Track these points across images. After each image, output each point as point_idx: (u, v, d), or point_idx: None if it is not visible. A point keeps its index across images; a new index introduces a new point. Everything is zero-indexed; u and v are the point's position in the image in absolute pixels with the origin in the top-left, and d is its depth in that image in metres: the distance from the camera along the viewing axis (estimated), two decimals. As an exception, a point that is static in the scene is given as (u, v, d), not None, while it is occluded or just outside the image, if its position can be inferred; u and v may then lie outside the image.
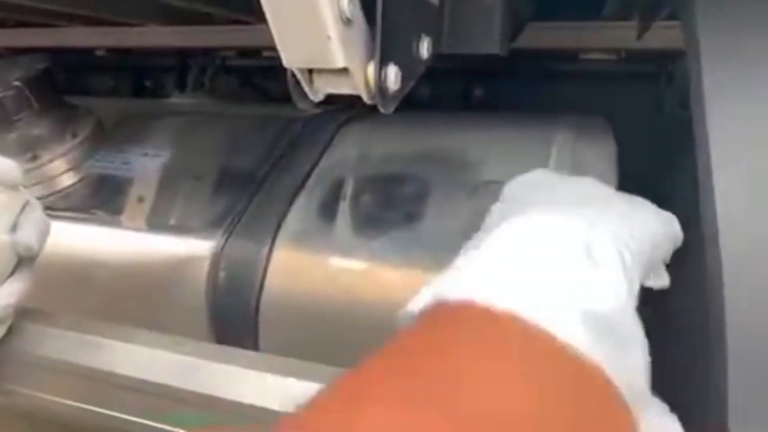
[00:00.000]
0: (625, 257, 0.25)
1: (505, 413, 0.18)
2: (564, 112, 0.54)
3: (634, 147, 0.59)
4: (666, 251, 0.32)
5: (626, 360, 0.22)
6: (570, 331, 0.21)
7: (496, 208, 0.35)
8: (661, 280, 0.32)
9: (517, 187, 0.36)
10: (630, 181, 0.54)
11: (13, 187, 0.38)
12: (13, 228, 0.38)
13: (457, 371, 0.19)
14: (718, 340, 0.26)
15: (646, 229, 0.29)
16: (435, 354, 0.21)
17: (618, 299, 0.23)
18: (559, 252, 0.25)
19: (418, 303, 0.25)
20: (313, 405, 0.20)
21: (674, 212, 0.32)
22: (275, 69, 0.32)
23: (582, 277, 0.24)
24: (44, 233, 0.40)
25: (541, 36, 0.70)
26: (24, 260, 0.39)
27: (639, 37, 0.62)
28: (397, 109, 0.35)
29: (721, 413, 0.25)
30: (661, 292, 0.32)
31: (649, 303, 0.29)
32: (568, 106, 0.74)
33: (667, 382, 0.26)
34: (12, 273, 0.39)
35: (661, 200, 0.42)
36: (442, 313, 0.23)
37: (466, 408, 0.18)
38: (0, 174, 0.37)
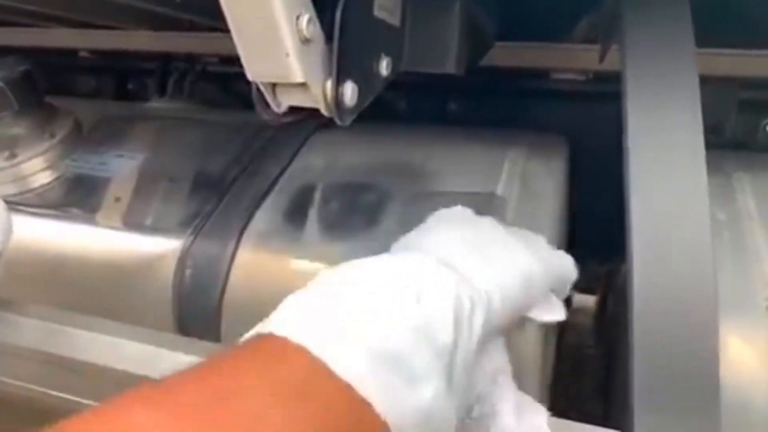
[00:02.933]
0: (463, 301, 0.26)
1: None
2: (526, 129, 0.57)
3: (600, 164, 0.62)
4: (555, 287, 0.34)
5: (409, 396, 0.23)
6: (348, 366, 0.22)
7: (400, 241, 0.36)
8: (551, 315, 0.34)
9: (432, 220, 0.37)
10: (594, 199, 0.57)
11: None
12: None
13: (229, 392, 0.21)
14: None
15: (517, 272, 0.31)
16: (222, 376, 0.22)
17: (414, 338, 0.24)
18: (380, 293, 0.26)
19: (251, 332, 0.27)
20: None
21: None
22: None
23: (384, 315, 0.25)
24: (7, 232, 0.41)
25: (515, 55, 0.74)
26: None
27: (601, 59, 0.66)
28: (368, 120, 0.37)
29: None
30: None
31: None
32: (538, 122, 0.77)
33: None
34: None
35: (621, 218, 0.45)
36: (249, 343, 0.25)
37: (217, 419, 0.20)
38: None
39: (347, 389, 0.22)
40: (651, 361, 0.28)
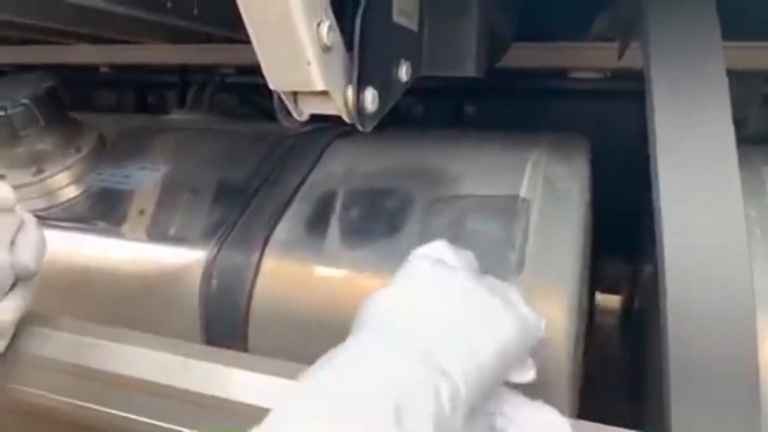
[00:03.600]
0: (444, 407, 0.27)
1: None
2: (545, 130, 0.57)
3: (620, 163, 0.62)
4: (525, 349, 0.33)
5: None
6: None
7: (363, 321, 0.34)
8: (523, 375, 0.33)
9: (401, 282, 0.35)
10: (614, 198, 0.57)
11: (9, 209, 0.40)
12: (10, 248, 0.40)
13: None
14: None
15: (494, 349, 0.30)
16: None
17: None
18: (360, 411, 0.26)
19: None
20: None
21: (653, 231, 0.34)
22: (272, 86, 0.34)
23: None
24: (41, 252, 0.42)
25: (531, 55, 0.74)
26: (22, 278, 0.41)
27: (619, 57, 0.65)
28: (386, 126, 0.37)
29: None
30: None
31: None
32: (556, 122, 0.77)
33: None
34: (11, 289, 0.40)
35: (644, 218, 0.44)
36: None
37: None
38: None
39: None
40: (687, 363, 0.27)
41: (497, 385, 0.32)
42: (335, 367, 0.29)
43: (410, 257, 0.37)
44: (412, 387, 0.27)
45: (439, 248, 0.37)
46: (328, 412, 0.26)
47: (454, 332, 0.31)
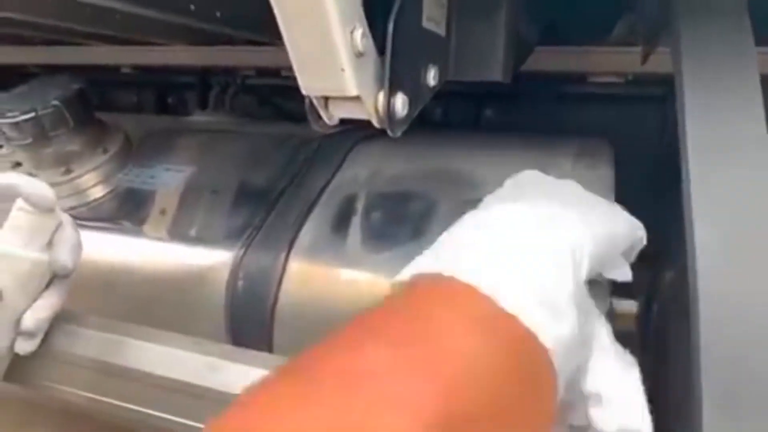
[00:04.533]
0: (575, 255, 0.30)
1: (458, 364, 0.24)
2: (568, 135, 0.57)
3: (641, 168, 0.61)
4: (627, 250, 0.36)
5: (557, 328, 0.27)
6: (515, 303, 0.26)
7: (493, 195, 0.39)
8: (621, 274, 0.36)
9: (512, 182, 0.40)
10: (634, 202, 0.56)
11: (48, 209, 0.41)
12: (49, 247, 0.41)
13: (429, 333, 0.25)
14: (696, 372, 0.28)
15: (607, 231, 0.33)
16: (410, 321, 0.26)
17: (556, 275, 0.28)
18: (528, 243, 0.29)
19: (404, 274, 0.30)
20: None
21: (677, 235, 0.35)
22: (294, 89, 0.35)
23: (538, 270, 0.28)
24: (77, 251, 0.43)
25: (551, 59, 0.73)
26: (58, 276, 0.42)
27: (643, 61, 0.65)
28: (409, 129, 0.38)
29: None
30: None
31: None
32: (576, 127, 0.76)
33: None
34: (46, 288, 0.42)
35: (665, 223, 0.44)
36: (420, 286, 0.28)
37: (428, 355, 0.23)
38: (36, 198, 0.40)
39: (516, 322, 0.26)
40: (720, 370, 0.27)
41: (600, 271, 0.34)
42: (489, 212, 0.33)
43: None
44: (554, 222, 0.31)
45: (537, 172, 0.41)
46: (495, 231, 0.30)
47: (573, 210, 0.33)
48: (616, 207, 0.37)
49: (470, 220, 0.33)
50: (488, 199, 0.38)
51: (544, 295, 0.27)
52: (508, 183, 0.40)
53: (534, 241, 0.29)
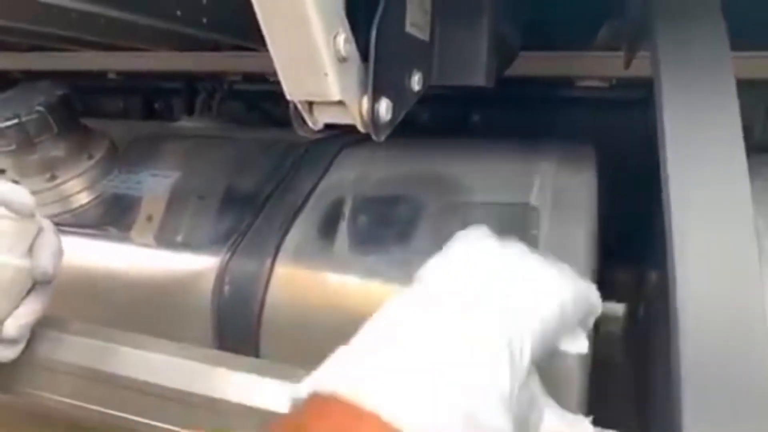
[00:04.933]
0: (513, 345, 0.27)
1: None
2: (552, 140, 0.57)
3: (625, 171, 0.62)
4: (581, 318, 0.33)
5: None
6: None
7: (427, 269, 0.34)
8: (576, 346, 0.33)
9: (449, 252, 0.34)
10: (618, 205, 0.57)
11: (28, 215, 0.40)
12: (29, 253, 0.41)
13: None
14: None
15: (556, 304, 0.30)
16: None
17: (481, 394, 0.25)
18: (441, 348, 0.26)
19: (301, 389, 0.26)
20: None
21: (661, 238, 0.34)
22: (280, 94, 0.35)
23: (459, 376, 0.25)
24: (58, 257, 0.42)
25: (537, 64, 0.74)
26: (40, 283, 0.42)
27: (626, 66, 0.66)
28: (395, 134, 0.38)
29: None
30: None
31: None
32: (561, 130, 0.77)
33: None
34: (28, 294, 0.41)
35: (649, 225, 0.44)
36: (313, 405, 0.25)
37: None
38: (16, 204, 0.39)
39: None
40: (699, 374, 0.27)
41: (554, 346, 0.31)
42: (394, 319, 0.28)
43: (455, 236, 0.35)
44: (483, 326, 0.27)
45: (482, 232, 0.35)
46: (401, 347, 0.26)
47: (518, 287, 0.30)
48: (566, 270, 0.33)
49: (381, 323, 0.28)
50: (420, 273, 0.33)
51: (465, 412, 0.24)
52: (447, 250, 0.34)
53: (457, 346, 0.26)
